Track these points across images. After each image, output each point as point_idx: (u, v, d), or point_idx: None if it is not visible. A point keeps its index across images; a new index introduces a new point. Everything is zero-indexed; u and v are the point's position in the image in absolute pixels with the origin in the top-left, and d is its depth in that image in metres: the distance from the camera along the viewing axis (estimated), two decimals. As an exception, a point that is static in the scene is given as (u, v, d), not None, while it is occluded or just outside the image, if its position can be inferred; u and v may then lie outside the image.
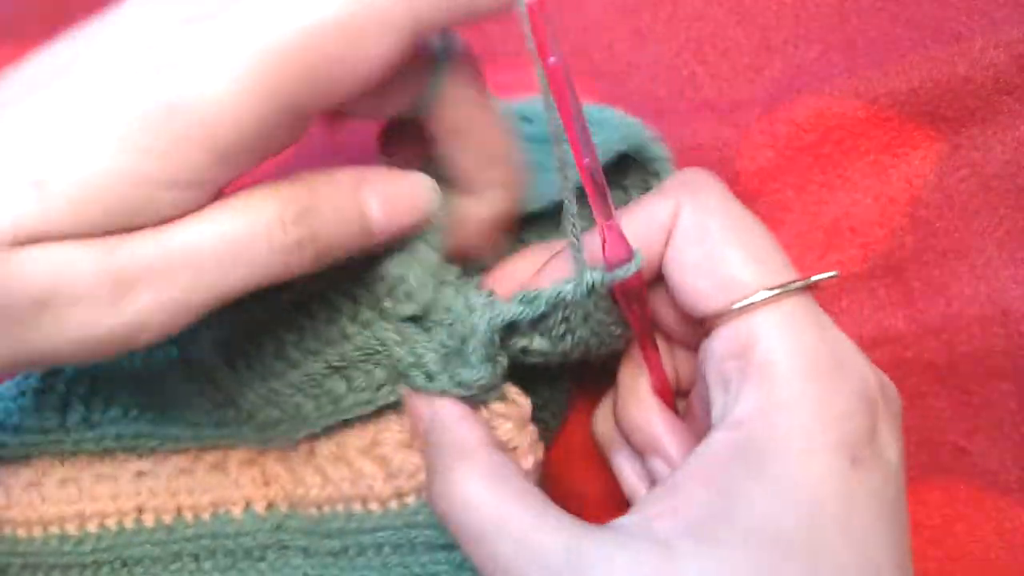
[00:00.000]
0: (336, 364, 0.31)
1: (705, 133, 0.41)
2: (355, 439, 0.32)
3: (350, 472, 0.32)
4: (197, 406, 0.33)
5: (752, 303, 0.25)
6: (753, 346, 0.25)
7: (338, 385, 0.31)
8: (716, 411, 0.26)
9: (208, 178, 0.23)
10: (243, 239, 0.24)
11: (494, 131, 0.31)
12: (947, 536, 0.39)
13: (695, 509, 0.24)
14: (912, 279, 0.40)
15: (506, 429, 0.30)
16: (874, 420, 0.25)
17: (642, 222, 0.28)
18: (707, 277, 0.26)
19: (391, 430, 0.32)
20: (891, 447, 0.26)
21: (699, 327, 0.28)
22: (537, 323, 0.29)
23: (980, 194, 0.40)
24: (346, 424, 0.33)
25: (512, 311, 0.28)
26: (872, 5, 0.42)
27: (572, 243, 0.27)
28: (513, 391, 0.31)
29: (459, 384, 0.29)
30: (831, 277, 0.26)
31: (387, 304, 0.30)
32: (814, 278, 0.26)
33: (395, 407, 0.32)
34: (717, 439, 0.25)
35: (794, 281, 0.25)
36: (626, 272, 0.27)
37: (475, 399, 0.30)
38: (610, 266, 0.27)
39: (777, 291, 0.25)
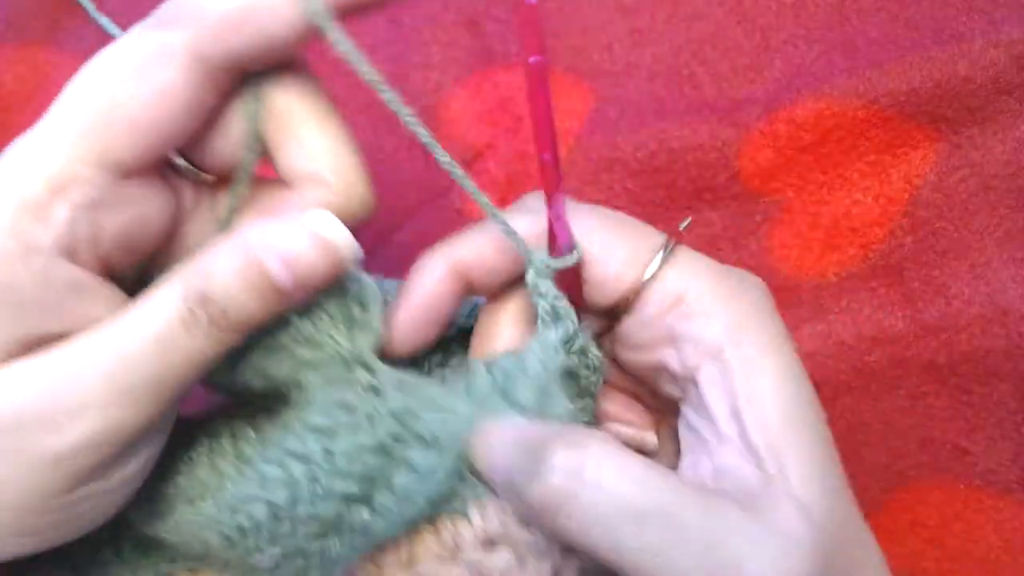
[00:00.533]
0: (356, 493, 0.28)
1: (705, 133, 0.41)
2: (391, 557, 0.30)
3: None
4: None
5: (658, 267, 0.28)
6: (685, 293, 0.28)
7: (361, 513, 0.28)
8: (672, 365, 0.28)
9: None
10: (163, 333, 0.25)
11: (318, 126, 0.29)
12: (946, 535, 0.39)
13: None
14: (912, 279, 0.40)
15: (515, 528, 0.28)
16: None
17: (521, 229, 0.29)
18: (612, 263, 0.28)
19: (427, 544, 0.30)
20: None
21: (611, 320, 0.30)
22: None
23: (980, 194, 0.40)
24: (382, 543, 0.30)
25: (559, 333, 0.28)
26: (872, 5, 0.42)
27: (513, 237, 0.28)
28: None
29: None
30: (688, 224, 0.31)
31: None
32: (682, 226, 0.30)
33: (429, 519, 0.30)
34: (709, 376, 0.27)
35: (672, 237, 0.29)
36: (570, 260, 0.28)
37: None
38: (556, 255, 0.28)
39: (671, 246, 0.28)
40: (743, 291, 0.28)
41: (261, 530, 0.29)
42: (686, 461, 0.28)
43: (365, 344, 0.28)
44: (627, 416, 0.32)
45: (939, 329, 0.39)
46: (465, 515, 0.29)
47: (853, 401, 0.40)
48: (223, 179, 0.30)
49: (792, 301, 0.41)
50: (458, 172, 0.28)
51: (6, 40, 0.51)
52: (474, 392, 0.28)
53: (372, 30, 0.49)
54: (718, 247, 0.42)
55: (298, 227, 0.26)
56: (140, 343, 0.24)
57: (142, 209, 0.27)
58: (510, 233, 0.28)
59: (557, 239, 0.28)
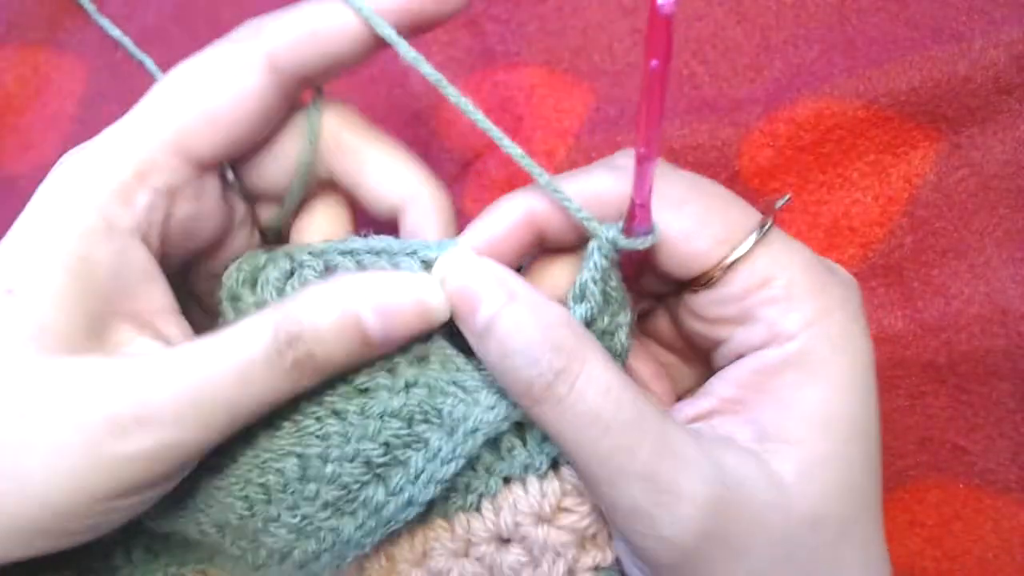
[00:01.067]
0: (378, 460, 0.29)
1: (705, 133, 0.41)
2: (404, 551, 0.31)
3: None
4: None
5: (750, 247, 0.28)
6: (772, 278, 0.28)
7: (376, 492, 0.29)
8: (737, 341, 0.29)
9: None
10: (247, 366, 0.26)
11: (384, 151, 0.31)
12: (945, 535, 0.39)
13: (769, 415, 0.27)
14: (911, 279, 0.40)
15: (583, 512, 0.29)
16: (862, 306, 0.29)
17: (592, 195, 0.29)
18: (700, 240, 0.28)
19: (441, 540, 0.30)
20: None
21: (680, 297, 0.31)
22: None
23: (980, 194, 0.40)
24: (393, 534, 0.30)
25: (581, 310, 0.28)
26: (872, 5, 0.42)
27: (579, 215, 0.28)
28: (535, 486, 0.29)
29: None
30: (787, 200, 0.31)
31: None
32: (778, 205, 0.30)
33: (442, 513, 0.30)
34: (766, 357, 0.28)
35: (768, 217, 0.29)
36: (641, 244, 0.28)
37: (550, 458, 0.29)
38: (629, 235, 0.28)
39: (766, 228, 0.28)
40: (832, 286, 0.28)
41: (286, 491, 0.29)
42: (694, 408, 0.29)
43: None
44: (652, 387, 0.32)
45: (939, 329, 0.39)
46: (478, 511, 0.29)
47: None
48: (269, 201, 0.33)
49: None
50: (535, 167, 0.28)
51: (7, 41, 0.52)
52: (489, 379, 0.29)
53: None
54: (718, 247, 0.42)
55: (402, 287, 0.28)
56: (222, 371, 0.26)
57: (206, 205, 0.29)
58: (577, 211, 0.28)
59: (635, 223, 0.27)
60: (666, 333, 0.33)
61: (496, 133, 0.28)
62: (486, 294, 0.27)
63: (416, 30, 0.28)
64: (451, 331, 0.29)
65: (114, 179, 0.27)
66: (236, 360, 0.26)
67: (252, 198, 0.33)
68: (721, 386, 0.29)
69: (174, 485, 0.28)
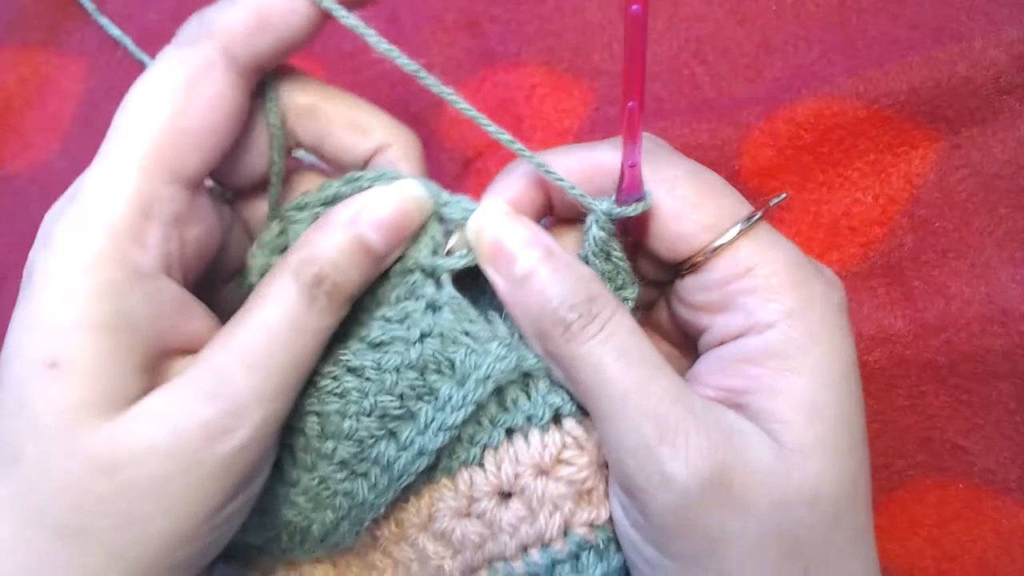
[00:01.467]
0: (393, 413, 0.30)
1: (705, 133, 0.41)
2: (412, 515, 0.32)
3: (414, 552, 0.32)
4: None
5: (733, 237, 0.28)
6: (754, 267, 0.28)
7: (388, 448, 0.30)
8: (717, 329, 0.29)
9: None
10: (293, 319, 0.27)
11: (342, 104, 0.32)
12: (945, 535, 0.39)
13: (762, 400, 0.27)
14: (912, 279, 0.40)
15: (581, 464, 0.29)
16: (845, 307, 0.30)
17: (594, 167, 0.30)
18: (688, 223, 0.29)
19: (445, 499, 0.31)
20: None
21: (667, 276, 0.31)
22: None
23: (980, 194, 0.40)
24: (401, 499, 0.31)
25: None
26: (872, 5, 0.42)
27: (572, 192, 0.29)
28: (589, 420, 0.30)
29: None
30: (782, 199, 0.32)
31: (438, 264, 0.30)
32: (772, 202, 0.30)
33: (447, 469, 0.31)
34: (745, 345, 0.28)
35: (759, 210, 0.29)
36: (632, 210, 0.29)
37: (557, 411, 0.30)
38: (621, 202, 0.29)
39: (753, 220, 0.28)
40: (814, 281, 0.28)
41: (307, 450, 0.30)
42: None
43: (444, 263, 0.30)
44: None
45: (939, 329, 0.39)
46: (481, 464, 0.30)
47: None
48: (247, 196, 0.33)
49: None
50: (505, 136, 0.29)
51: (7, 42, 0.52)
52: (501, 338, 0.30)
53: (372, 30, 0.49)
54: (718, 247, 0.42)
55: (382, 196, 0.29)
56: (276, 333, 0.27)
57: (210, 221, 0.29)
58: (570, 188, 0.29)
59: (625, 187, 0.28)
60: (664, 324, 0.34)
61: (470, 110, 0.30)
62: (525, 245, 0.29)
63: (358, 4, 0.29)
64: (461, 284, 0.31)
65: (123, 224, 0.25)
66: (282, 318, 0.27)
67: (234, 196, 0.33)
68: (706, 371, 0.29)
69: (266, 473, 0.29)
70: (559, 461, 0.29)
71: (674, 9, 0.45)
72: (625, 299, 0.31)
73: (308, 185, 0.33)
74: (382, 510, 0.31)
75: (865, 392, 0.40)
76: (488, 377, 0.29)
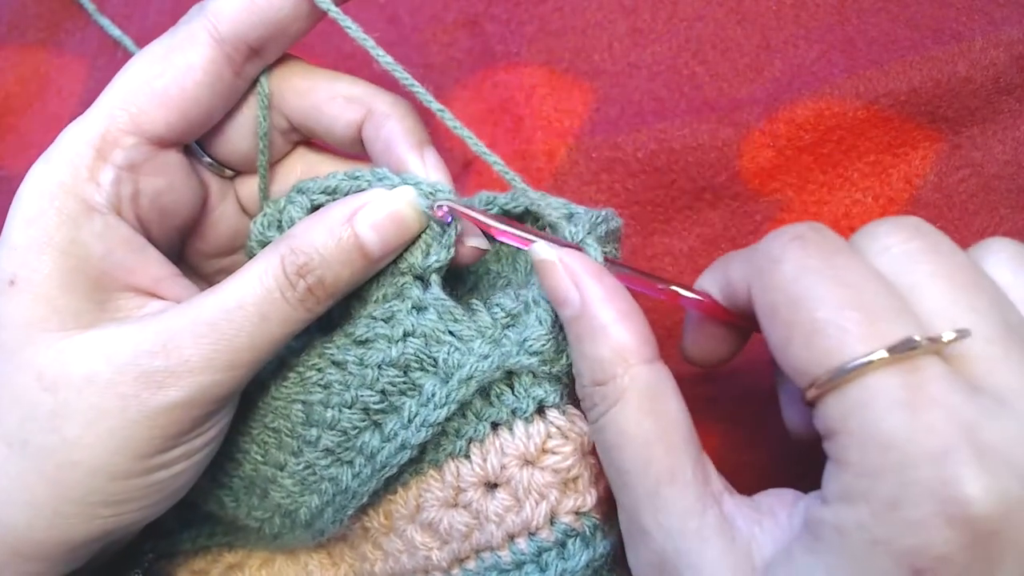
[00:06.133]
0: (375, 407, 0.31)
1: (705, 133, 0.41)
2: (400, 507, 0.32)
3: (403, 543, 0.32)
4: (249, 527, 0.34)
5: (816, 392, 0.23)
6: (836, 432, 0.23)
7: (372, 439, 0.31)
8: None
9: None
10: (264, 303, 0.28)
11: (329, 80, 0.33)
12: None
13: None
14: (912, 279, 0.40)
15: (566, 453, 0.29)
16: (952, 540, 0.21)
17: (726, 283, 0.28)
18: (794, 351, 0.24)
19: (432, 490, 0.31)
20: None
21: None
22: None
23: (980, 194, 0.40)
24: (389, 491, 0.32)
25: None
26: (872, 5, 0.42)
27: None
28: (573, 411, 0.30)
29: (524, 345, 0.29)
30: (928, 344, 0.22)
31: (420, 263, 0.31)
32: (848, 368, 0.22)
33: (433, 461, 0.31)
34: (806, 505, 0.25)
35: (872, 354, 0.22)
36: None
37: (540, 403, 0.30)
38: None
39: (859, 363, 0.22)
40: (888, 478, 0.22)
41: (292, 435, 0.32)
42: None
43: (433, 262, 0.31)
44: None
45: (939, 329, 0.39)
46: (467, 457, 0.31)
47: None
48: (244, 172, 0.35)
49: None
50: (492, 157, 0.31)
51: (8, 41, 0.52)
52: (483, 328, 0.30)
53: (372, 30, 0.49)
54: (718, 247, 0.42)
55: (384, 199, 0.30)
56: (242, 312, 0.28)
57: (173, 180, 0.31)
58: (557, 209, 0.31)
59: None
60: None
61: (460, 128, 0.31)
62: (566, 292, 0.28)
63: None
64: (448, 283, 0.32)
65: (80, 162, 0.28)
66: (252, 298, 0.28)
67: (230, 173, 0.35)
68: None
69: (212, 435, 0.29)
70: (544, 451, 0.30)
71: (674, 9, 0.45)
72: None
73: (304, 165, 0.35)
74: (364, 499, 0.32)
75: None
76: (471, 377, 0.29)
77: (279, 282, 0.28)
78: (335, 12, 0.30)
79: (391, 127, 0.32)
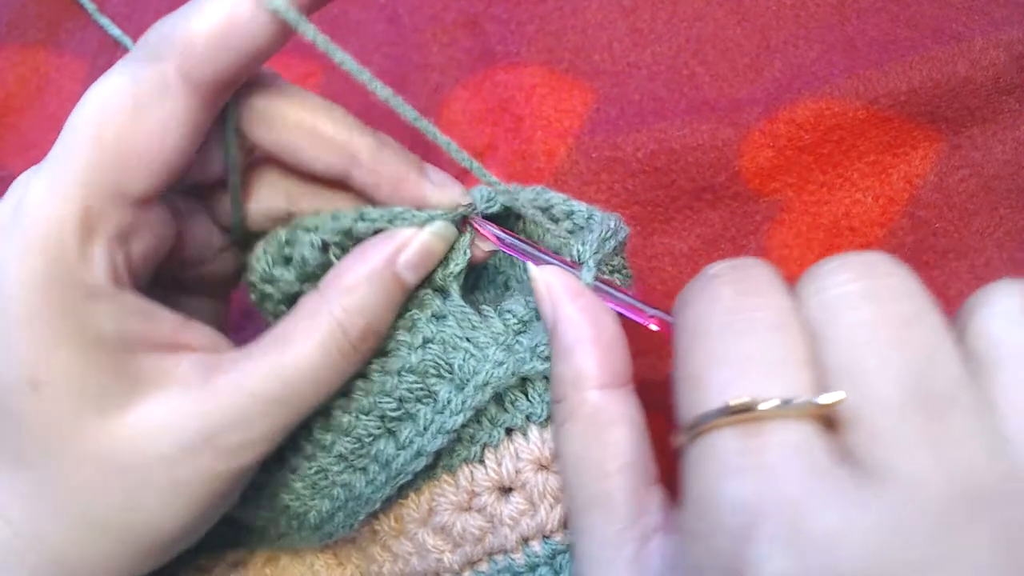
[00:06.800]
0: (391, 414, 0.31)
1: (705, 133, 0.41)
2: (411, 510, 0.32)
3: (414, 546, 0.32)
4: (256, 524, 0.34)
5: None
6: (683, 485, 0.23)
7: (387, 446, 0.31)
8: None
9: None
10: (324, 367, 0.28)
11: (310, 114, 0.30)
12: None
13: None
14: (912, 279, 0.40)
15: (530, 475, 0.30)
16: None
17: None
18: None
19: (446, 494, 0.31)
20: None
21: None
22: None
23: (980, 194, 0.40)
24: (401, 495, 0.32)
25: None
26: (872, 5, 0.42)
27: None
28: (535, 434, 0.30)
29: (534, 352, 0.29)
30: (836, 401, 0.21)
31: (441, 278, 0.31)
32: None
33: (447, 467, 0.31)
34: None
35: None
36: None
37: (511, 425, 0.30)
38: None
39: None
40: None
41: (309, 439, 0.31)
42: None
43: (451, 270, 0.31)
44: None
45: (939, 329, 0.39)
46: (481, 461, 0.31)
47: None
48: (212, 185, 0.32)
49: (792, 301, 0.41)
50: (475, 164, 0.30)
51: (8, 41, 0.52)
52: (496, 335, 0.30)
53: (372, 30, 0.49)
54: (718, 247, 0.42)
55: (421, 240, 0.30)
56: (307, 387, 0.28)
57: (158, 231, 0.29)
58: (547, 223, 0.31)
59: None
60: None
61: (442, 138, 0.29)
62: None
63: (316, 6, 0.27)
64: (470, 289, 0.32)
65: (67, 244, 0.25)
66: (316, 371, 0.28)
67: (198, 192, 0.32)
68: None
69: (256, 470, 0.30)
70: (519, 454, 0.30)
71: (674, 9, 0.45)
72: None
73: (271, 189, 0.32)
74: (377, 505, 0.31)
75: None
76: (486, 384, 0.29)
77: (342, 351, 0.28)
78: (324, 43, 0.26)
79: (389, 172, 0.30)
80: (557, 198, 0.33)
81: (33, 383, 0.25)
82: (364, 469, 0.31)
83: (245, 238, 0.33)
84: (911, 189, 0.40)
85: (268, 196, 0.32)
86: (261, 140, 0.30)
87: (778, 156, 0.41)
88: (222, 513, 0.29)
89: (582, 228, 0.32)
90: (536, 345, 0.29)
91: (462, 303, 0.31)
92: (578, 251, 0.30)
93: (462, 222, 0.31)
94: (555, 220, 0.33)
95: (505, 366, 0.29)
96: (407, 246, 0.29)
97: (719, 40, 0.44)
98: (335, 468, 0.31)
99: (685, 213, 0.42)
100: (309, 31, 0.26)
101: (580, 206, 0.33)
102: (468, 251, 0.31)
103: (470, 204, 0.31)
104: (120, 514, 0.26)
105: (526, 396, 0.30)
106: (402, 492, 0.32)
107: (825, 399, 0.20)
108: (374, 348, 0.29)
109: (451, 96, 0.46)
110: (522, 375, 0.30)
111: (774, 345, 0.22)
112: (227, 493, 0.28)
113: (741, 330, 0.22)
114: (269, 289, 0.31)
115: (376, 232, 0.30)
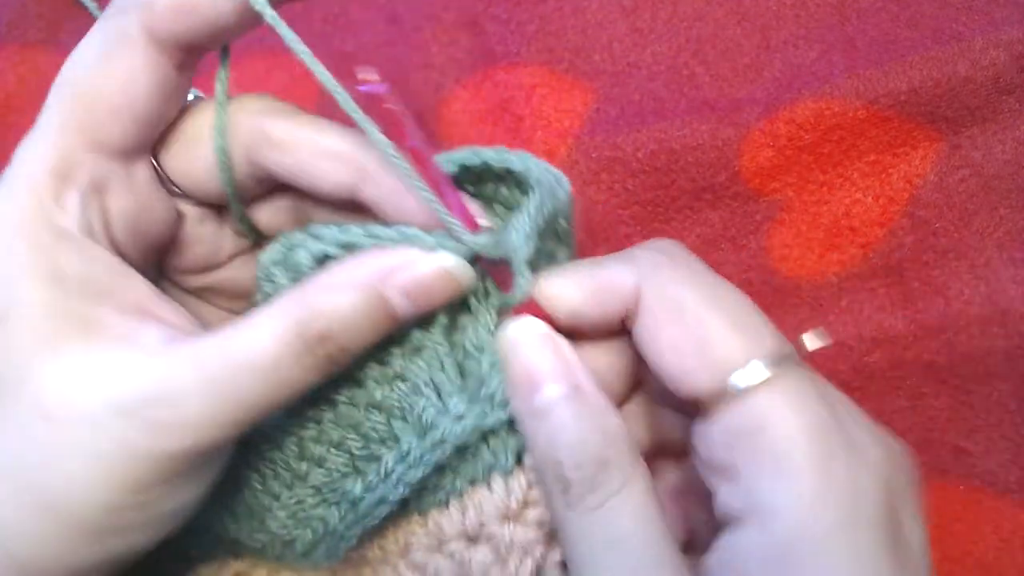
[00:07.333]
0: (358, 452, 0.30)
1: (705, 133, 0.41)
2: (391, 543, 0.31)
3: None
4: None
5: (750, 383, 0.23)
6: (760, 432, 0.23)
7: (354, 487, 0.30)
8: (721, 499, 0.25)
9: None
10: (275, 369, 0.26)
11: (314, 134, 0.30)
12: (946, 536, 0.39)
13: None
14: (911, 279, 0.40)
15: (495, 527, 0.29)
16: (893, 502, 0.23)
17: (599, 285, 0.27)
18: (692, 356, 0.24)
19: (417, 535, 0.31)
20: (914, 533, 0.23)
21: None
22: None
23: (980, 194, 0.40)
24: (382, 527, 0.31)
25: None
26: (872, 5, 0.42)
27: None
28: (500, 484, 0.29)
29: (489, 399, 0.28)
30: (826, 347, 0.24)
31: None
32: (809, 346, 0.24)
33: (419, 509, 0.31)
34: (746, 540, 0.23)
35: (788, 354, 0.23)
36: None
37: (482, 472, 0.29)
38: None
39: (775, 369, 0.23)
40: (852, 459, 0.22)
41: (288, 467, 0.31)
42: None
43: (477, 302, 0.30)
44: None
45: (939, 329, 0.39)
46: (448, 508, 0.30)
47: (853, 401, 0.40)
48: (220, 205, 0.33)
49: (792, 301, 0.41)
50: (402, 162, 0.28)
51: (8, 41, 0.52)
52: (462, 383, 0.30)
53: (372, 30, 0.49)
54: (718, 247, 0.42)
55: (422, 265, 0.27)
56: (251, 375, 0.25)
57: (144, 199, 0.29)
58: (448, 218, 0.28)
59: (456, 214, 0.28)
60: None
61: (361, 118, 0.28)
62: (552, 375, 0.26)
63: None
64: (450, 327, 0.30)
65: (42, 188, 0.26)
66: (264, 360, 0.25)
67: (205, 203, 0.33)
68: (716, 566, 0.25)
69: (214, 474, 0.28)
70: (526, 504, 0.29)
71: (674, 9, 0.45)
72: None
73: (281, 208, 0.33)
74: (353, 541, 0.31)
75: (865, 393, 0.40)
76: (443, 441, 0.28)
77: (294, 348, 0.26)
78: (271, 16, 0.27)
79: (396, 184, 0.29)
80: (493, 157, 0.31)
81: (4, 316, 0.26)
82: (337, 504, 0.30)
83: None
84: (911, 189, 0.40)
85: (283, 224, 0.33)
86: (274, 165, 0.30)
87: (778, 156, 0.41)
88: (159, 504, 0.27)
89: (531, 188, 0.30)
90: (493, 393, 0.28)
91: (440, 338, 0.29)
92: (513, 242, 0.28)
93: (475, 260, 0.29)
94: (502, 180, 0.32)
95: (464, 422, 0.28)
96: (404, 268, 0.27)
97: (719, 40, 0.44)
98: (311, 500, 0.31)
99: (685, 213, 0.42)
100: (276, 23, 0.27)
101: (517, 164, 0.31)
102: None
103: (484, 236, 0.29)
104: (38, 473, 0.25)
105: (488, 447, 0.29)
106: (380, 525, 0.31)
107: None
108: (337, 362, 0.27)
109: (451, 96, 0.46)
110: (485, 430, 0.29)
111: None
112: (151, 486, 0.26)
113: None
114: (268, 287, 0.31)
115: None
